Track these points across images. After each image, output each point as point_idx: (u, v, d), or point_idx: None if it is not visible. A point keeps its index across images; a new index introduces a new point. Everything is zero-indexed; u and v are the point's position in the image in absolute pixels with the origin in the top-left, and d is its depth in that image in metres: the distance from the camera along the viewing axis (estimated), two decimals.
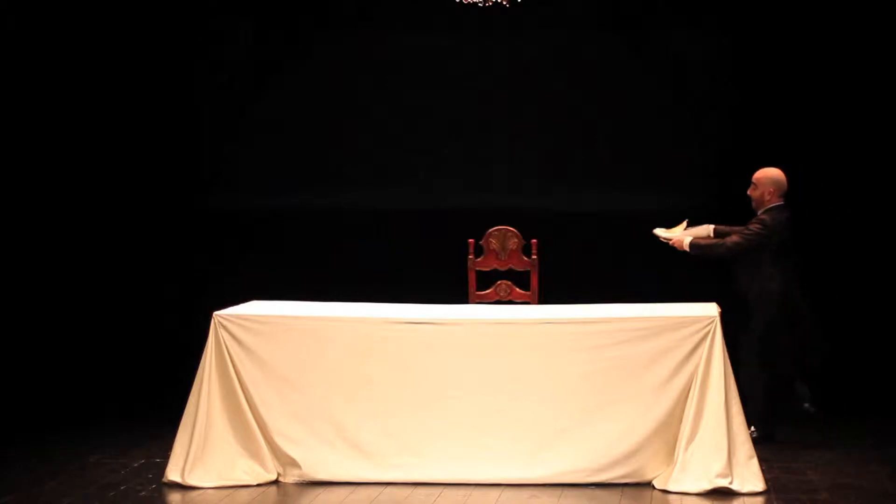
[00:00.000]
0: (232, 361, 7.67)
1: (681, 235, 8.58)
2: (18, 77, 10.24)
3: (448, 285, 8.87)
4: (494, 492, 7.37)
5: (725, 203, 10.20)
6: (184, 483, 7.52)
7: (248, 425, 7.65)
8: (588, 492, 7.41)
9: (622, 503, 7.23)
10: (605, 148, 10.25)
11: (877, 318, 10.07)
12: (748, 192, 8.61)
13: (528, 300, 8.69)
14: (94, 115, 10.41)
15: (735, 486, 7.32)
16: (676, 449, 7.43)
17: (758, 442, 7.78)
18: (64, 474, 7.88)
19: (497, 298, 8.76)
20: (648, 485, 7.48)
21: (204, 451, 7.57)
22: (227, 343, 7.67)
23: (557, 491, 7.39)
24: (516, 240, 8.80)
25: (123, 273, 10.45)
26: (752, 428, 7.97)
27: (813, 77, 10.06)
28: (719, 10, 10.09)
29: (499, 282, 8.79)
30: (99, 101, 10.39)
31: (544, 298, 8.61)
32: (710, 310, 7.69)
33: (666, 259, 10.07)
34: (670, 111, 10.20)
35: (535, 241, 8.80)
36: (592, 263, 10.00)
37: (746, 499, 7.26)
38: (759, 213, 8.54)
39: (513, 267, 8.81)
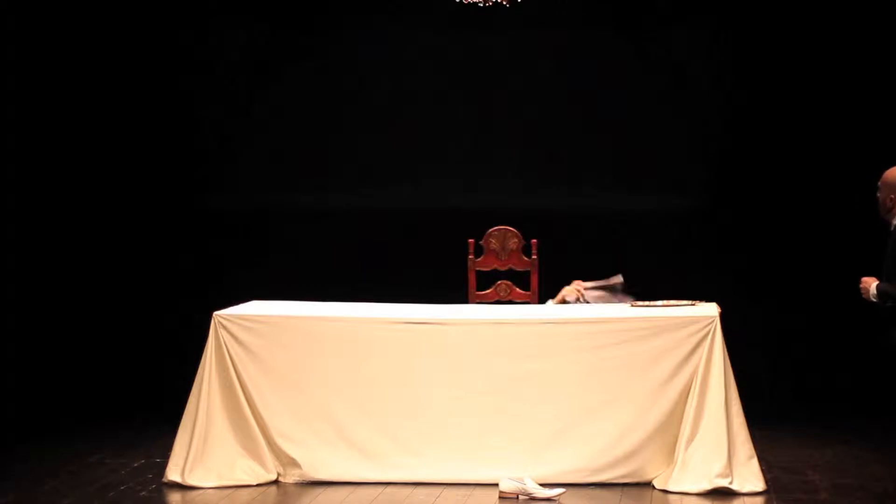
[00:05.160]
0: (232, 361, 7.67)
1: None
2: (17, 77, 10.24)
3: (448, 285, 8.87)
4: (494, 492, 7.37)
5: (725, 203, 10.21)
6: (184, 483, 7.52)
7: (248, 425, 7.65)
8: (588, 492, 7.41)
9: (622, 503, 7.23)
10: (605, 148, 10.25)
11: (877, 317, 10.06)
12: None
13: (528, 300, 8.69)
14: (93, 115, 10.40)
15: (735, 486, 7.32)
16: (676, 449, 7.43)
17: None
18: (64, 474, 7.88)
19: (497, 298, 8.75)
20: (648, 485, 7.48)
21: (204, 451, 7.57)
22: (227, 343, 7.68)
23: (558, 490, 7.38)
24: (516, 240, 8.80)
25: (123, 273, 10.45)
26: None
27: (814, 76, 10.06)
28: (719, 9, 10.09)
29: (499, 282, 8.78)
30: (98, 102, 10.39)
31: (544, 298, 8.61)
32: (710, 310, 7.69)
33: (666, 259, 10.10)
34: (670, 111, 10.20)
35: (535, 241, 8.80)
36: (592, 263, 9.99)
37: (746, 499, 7.26)
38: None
39: (513, 267, 8.81)
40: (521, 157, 10.33)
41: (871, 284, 7.29)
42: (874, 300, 7.26)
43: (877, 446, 8.51)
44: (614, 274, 8.38)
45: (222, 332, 7.68)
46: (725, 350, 7.47)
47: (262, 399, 7.67)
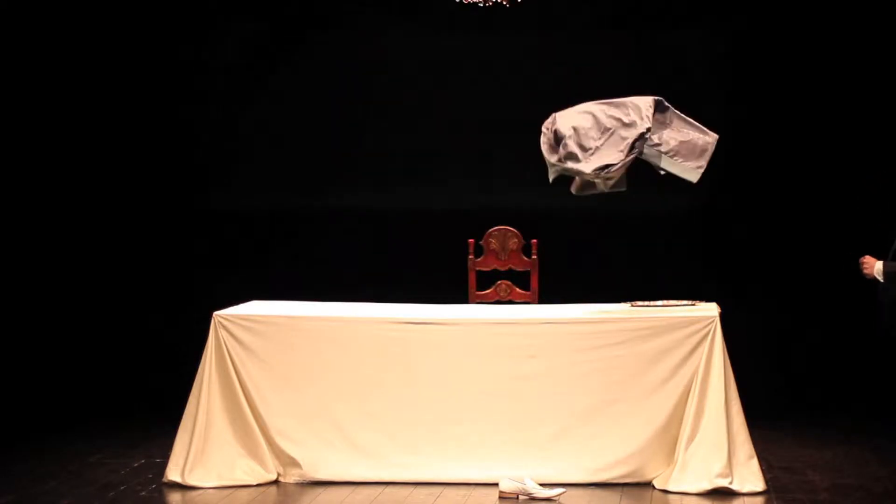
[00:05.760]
0: (232, 361, 7.67)
1: None
2: (16, 78, 10.24)
3: (448, 285, 8.87)
4: (494, 492, 7.37)
5: (725, 203, 10.21)
6: (184, 483, 7.53)
7: (248, 425, 7.65)
8: (588, 492, 7.41)
9: (622, 503, 7.23)
10: None
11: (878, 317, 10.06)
12: None
13: (528, 300, 8.69)
14: (93, 115, 10.40)
15: (735, 486, 7.32)
16: (676, 449, 7.44)
17: None
18: (64, 474, 7.88)
19: (497, 298, 8.75)
20: (648, 485, 7.48)
21: (204, 451, 7.57)
22: (228, 343, 7.68)
23: (558, 490, 7.38)
24: (516, 240, 8.79)
25: (123, 273, 10.45)
26: None
27: (815, 76, 10.05)
28: (719, 9, 10.09)
29: (499, 282, 8.78)
30: (98, 102, 10.39)
31: (544, 298, 8.61)
32: (710, 310, 7.69)
33: (666, 259, 10.10)
34: None
35: (535, 241, 8.79)
36: (592, 263, 10.00)
37: (746, 499, 7.26)
38: None
39: (513, 267, 8.81)
40: (521, 157, 10.31)
41: (875, 263, 7.20)
42: (879, 279, 7.18)
43: (877, 446, 8.51)
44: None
45: (222, 332, 7.68)
46: (725, 350, 7.47)
47: (262, 399, 7.67)
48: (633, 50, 10.19)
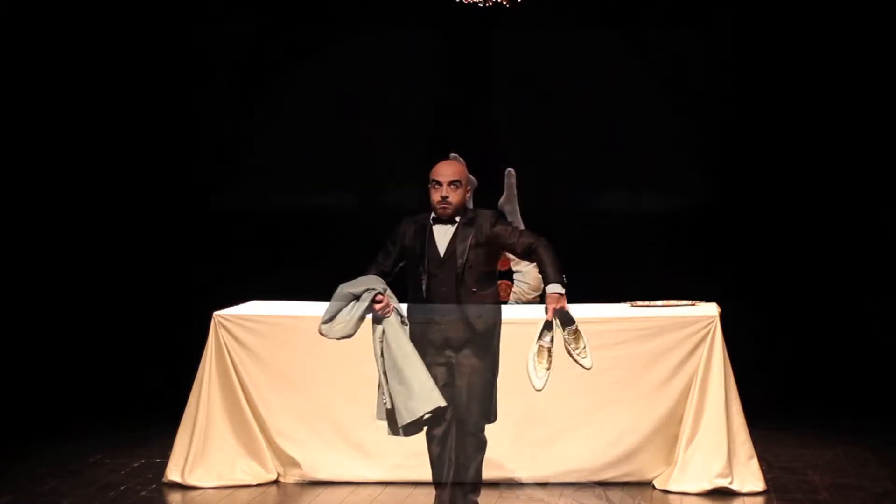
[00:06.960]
0: (232, 361, 7.67)
1: None
2: (18, 78, 10.24)
3: None
4: (494, 492, 7.37)
5: (725, 204, 10.21)
6: (184, 483, 7.53)
7: (248, 425, 7.65)
8: (588, 492, 7.41)
9: (622, 503, 7.23)
10: (606, 148, 10.24)
11: (877, 318, 10.07)
12: None
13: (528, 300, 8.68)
14: (94, 116, 10.40)
15: (735, 486, 7.33)
16: (676, 449, 7.44)
17: None
18: (64, 474, 7.88)
19: None
20: (648, 485, 7.49)
21: (204, 451, 7.57)
22: (227, 343, 7.68)
23: (558, 490, 7.39)
24: None
25: (124, 273, 10.45)
26: None
27: (815, 77, 10.06)
28: (720, 9, 10.09)
29: (499, 282, 8.77)
30: (99, 102, 10.39)
31: (544, 299, 8.58)
32: (710, 310, 7.69)
33: (666, 259, 10.10)
34: (670, 111, 10.20)
35: None
36: (592, 263, 9.99)
37: (746, 499, 7.27)
38: None
39: (513, 267, 8.79)
40: (520, 157, 10.31)
41: None
42: None
43: (877, 446, 8.51)
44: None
45: (222, 332, 7.69)
46: (725, 350, 7.47)
47: (262, 399, 7.67)
48: (633, 50, 10.19)
